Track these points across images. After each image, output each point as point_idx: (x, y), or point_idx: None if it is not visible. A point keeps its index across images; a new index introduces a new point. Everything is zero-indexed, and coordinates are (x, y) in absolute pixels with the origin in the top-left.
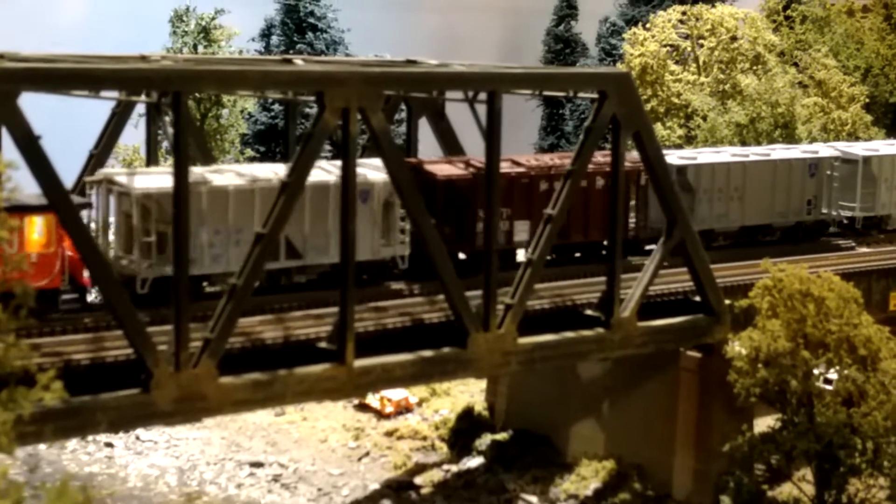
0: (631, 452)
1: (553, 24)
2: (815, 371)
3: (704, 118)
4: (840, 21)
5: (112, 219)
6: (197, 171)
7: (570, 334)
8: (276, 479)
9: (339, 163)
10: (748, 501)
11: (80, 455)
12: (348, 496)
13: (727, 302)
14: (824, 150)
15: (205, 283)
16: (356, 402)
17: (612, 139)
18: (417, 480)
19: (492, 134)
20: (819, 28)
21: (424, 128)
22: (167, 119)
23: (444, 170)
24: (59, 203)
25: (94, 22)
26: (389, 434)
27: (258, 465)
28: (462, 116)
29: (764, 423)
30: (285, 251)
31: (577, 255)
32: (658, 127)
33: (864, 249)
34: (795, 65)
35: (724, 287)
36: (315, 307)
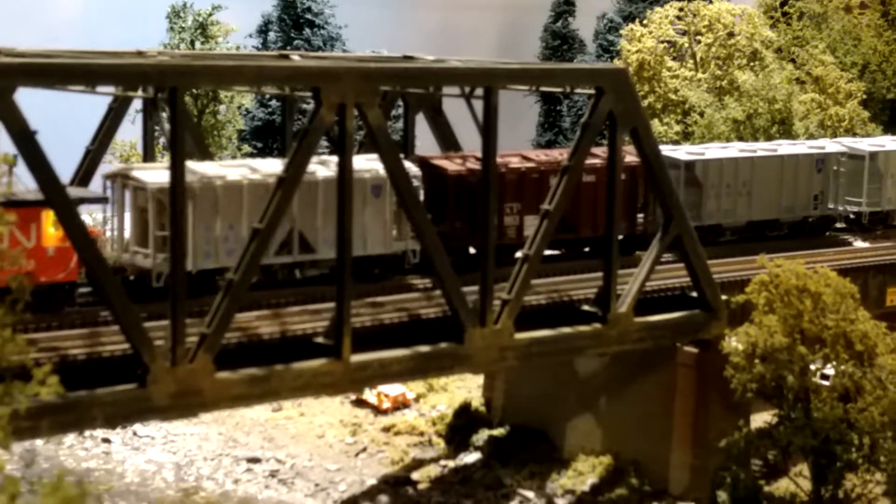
0: (628, 448)
1: (550, 21)
2: (812, 366)
3: (701, 114)
4: (837, 17)
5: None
6: (212, 166)
7: (566, 330)
8: (273, 474)
9: (356, 157)
10: (745, 497)
11: (77, 450)
12: (345, 492)
13: (724, 297)
14: (831, 145)
15: (217, 278)
16: (353, 397)
17: (609, 135)
18: (414, 476)
19: (488, 130)
20: (816, 24)
21: (421, 124)
22: (164, 115)
23: (454, 165)
24: (55, 198)
25: (90, 18)
26: (386, 430)
27: (255, 460)
28: (459, 112)
29: (760, 419)
30: (298, 245)
31: (587, 249)
32: (655, 123)
33: (861, 245)
34: (793, 61)
35: (720, 283)
36: (312, 302)
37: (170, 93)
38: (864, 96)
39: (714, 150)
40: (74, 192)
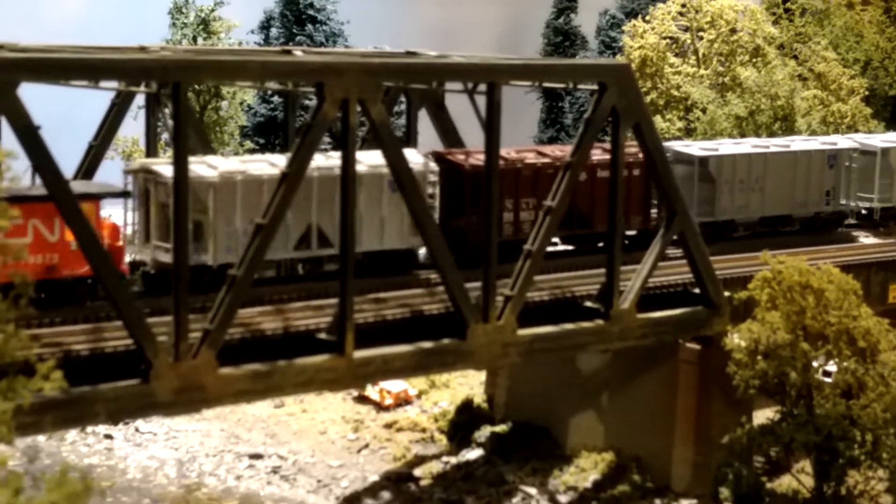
0: (630, 444)
1: (552, 17)
2: (815, 363)
3: (704, 111)
4: (839, 14)
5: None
6: (233, 161)
7: (569, 326)
8: (275, 470)
9: (368, 152)
10: (747, 493)
11: (79, 446)
12: (348, 488)
13: (726, 294)
14: (843, 141)
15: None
16: (355, 393)
17: (612, 131)
18: (417, 472)
19: (491, 126)
20: (818, 20)
21: (424, 119)
22: (167, 110)
23: (471, 160)
24: (59, 193)
25: (92, 13)
26: (389, 426)
27: (257, 456)
28: (461, 108)
29: (763, 415)
30: (317, 240)
31: (601, 244)
32: (657, 119)
33: (868, 241)
34: (795, 57)
35: (723, 279)
36: (315, 298)
37: (173, 88)
38: (867, 93)
39: (727, 146)
40: (98, 186)
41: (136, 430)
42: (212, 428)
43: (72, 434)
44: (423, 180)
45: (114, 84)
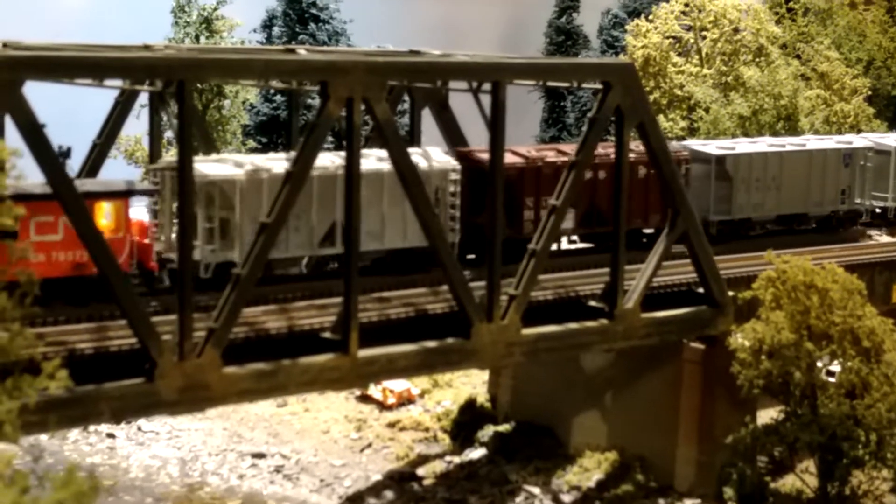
0: (634, 444)
1: (555, 16)
2: (819, 363)
3: (707, 110)
4: (842, 13)
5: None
6: (259, 158)
7: (573, 325)
8: (278, 470)
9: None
10: (751, 493)
11: (81, 446)
12: (350, 487)
13: (731, 293)
14: (858, 140)
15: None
16: (358, 393)
17: (616, 130)
18: (420, 472)
19: (496, 124)
20: (821, 20)
21: (427, 119)
22: (170, 108)
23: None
24: (63, 191)
25: (94, 12)
26: (392, 425)
27: (260, 456)
28: (464, 107)
29: (767, 415)
30: (341, 237)
31: None
32: (661, 119)
33: (879, 240)
34: (798, 57)
35: (727, 278)
36: (319, 297)
37: (177, 86)
38: (869, 93)
39: (744, 145)
40: (126, 184)
41: (139, 429)
42: (214, 427)
43: (74, 433)
44: (445, 178)
45: (118, 82)
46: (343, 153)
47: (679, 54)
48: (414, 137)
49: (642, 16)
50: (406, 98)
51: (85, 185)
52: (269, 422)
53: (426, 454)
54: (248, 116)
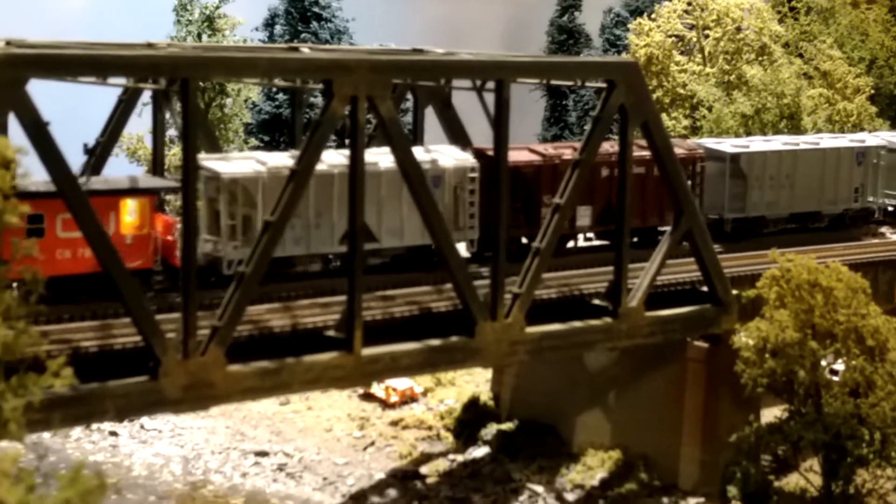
0: (637, 442)
1: (557, 15)
2: (823, 361)
3: (710, 109)
4: (845, 12)
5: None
6: (280, 156)
7: (577, 324)
8: (281, 468)
9: (417, 148)
10: (755, 492)
11: (84, 443)
12: (354, 485)
13: (734, 292)
14: (871, 139)
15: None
16: (361, 391)
17: (620, 129)
18: (423, 470)
19: (500, 123)
20: (824, 19)
21: (430, 117)
22: (174, 107)
23: (512, 156)
24: (68, 189)
25: (96, 11)
26: (394, 424)
27: (263, 454)
28: (467, 105)
29: (771, 414)
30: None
31: (635, 239)
32: (663, 117)
33: (872, 240)
34: (800, 55)
35: (731, 277)
36: (323, 295)
37: (181, 84)
38: (872, 91)
39: (758, 143)
40: (152, 181)
41: (142, 426)
42: (217, 425)
43: (76, 431)
44: (465, 176)
45: (121, 80)
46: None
47: (682, 53)
48: (417, 136)
49: (645, 14)
50: (409, 96)
51: (110, 182)
52: (271, 420)
53: (429, 452)
54: (250, 115)
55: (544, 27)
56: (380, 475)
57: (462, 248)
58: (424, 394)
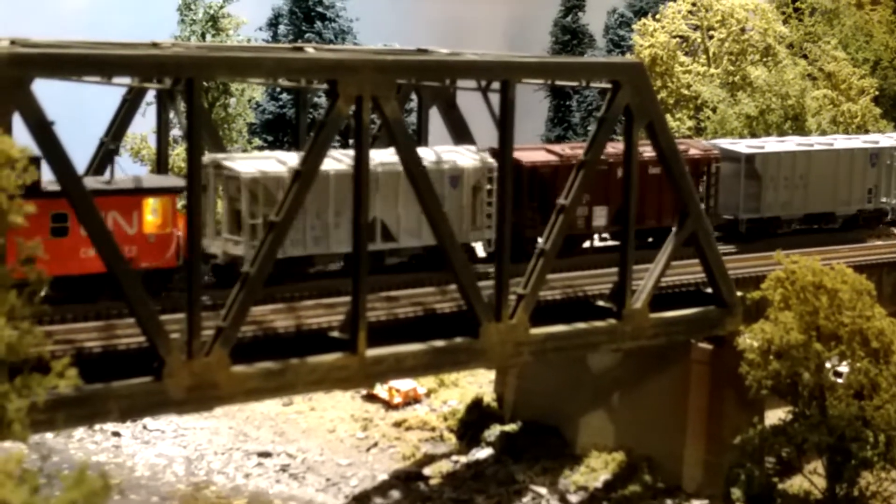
0: (641, 444)
1: (560, 15)
2: (828, 364)
3: (714, 110)
4: (849, 13)
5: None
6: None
7: (581, 325)
8: (284, 469)
9: (429, 149)
10: (759, 494)
11: (87, 444)
12: (357, 486)
13: (739, 294)
14: (884, 140)
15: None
16: (364, 392)
17: (625, 130)
18: (426, 471)
19: (505, 123)
20: (828, 20)
21: (435, 117)
22: (179, 106)
23: (529, 156)
24: (72, 188)
25: (99, 10)
26: (398, 425)
27: (266, 454)
28: (471, 106)
29: (775, 416)
30: (381, 234)
31: (650, 239)
32: (667, 118)
33: (877, 242)
34: (805, 56)
35: (735, 279)
36: (327, 296)
37: (186, 84)
38: (877, 93)
39: (773, 144)
40: (175, 181)
41: (144, 427)
42: (220, 426)
43: (79, 431)
44: (482, 176)
45: (126, 80)
46: (380, 150)
47: (686, 54)
48: (421, 136)
49: (649, 15)
50: (413, 97)
51: (132, 181)
52: (274, 420)
53: (432, 454)
54: (254, 115)
55: (548, 27)
56: (383, 476)
57: (479, 248)
58: (428, 395)
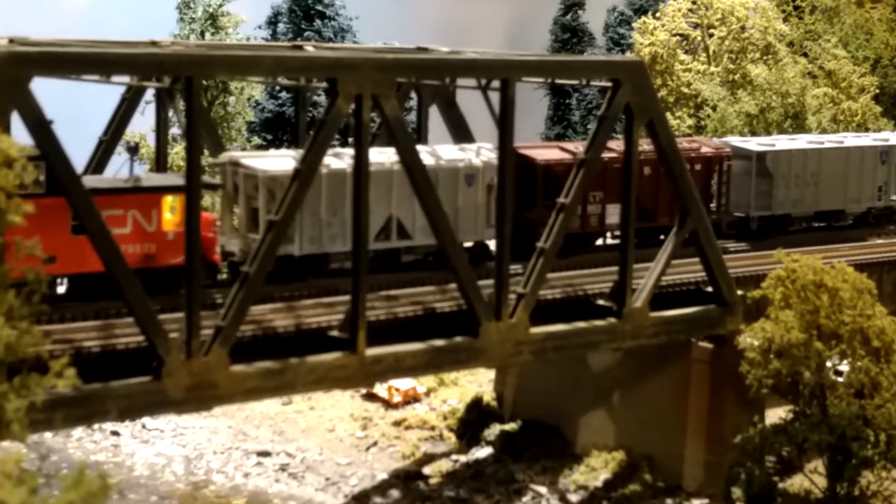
0: (641, 443)
1: (560, 13)
2: (828, 363)
3: (714, 108)
4: (849, 11)
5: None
6: None
7: (581, 324)
8: (283, 468)
9: (445, 147)
10: (759, 493)
11: (85, 443)
12: (356, 486)
13: (740, 292)
14: (894, 138)
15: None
16: (364, 391)
17: (626, 128)
18: (426, 470)
19: (505, 121)
20: (828, 18)
21: (434, 116)
22: (179, 105)
23: (543, 154)
24: (72, 188)
25: (98, 8)
26: (397, 424)
27: (265, 454)
28: (471, 104)
29: (775, 415)
30: (396, 232)
31: (663, 237)
32: (668, 117)
33: (877, 240)
34: (805, 55)
35: (736, 277)
36: (326, 295)
37: (186, 82)
38: (877, 91)
39: (783, 142)
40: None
41: (143, 426)
42: (219, 425)
43: (78, 431)
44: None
45: (125, 79)
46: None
47: (686, 52)
48: (421, 135)
49: (649, 13)
50: (413, 95)
51: (151, 179)
52: (274, 420)
53: (432, 453)
54: (253, 113)
55: (548, 26)
56: (382, 475)
57: (493, 245)
58: (427, 394)
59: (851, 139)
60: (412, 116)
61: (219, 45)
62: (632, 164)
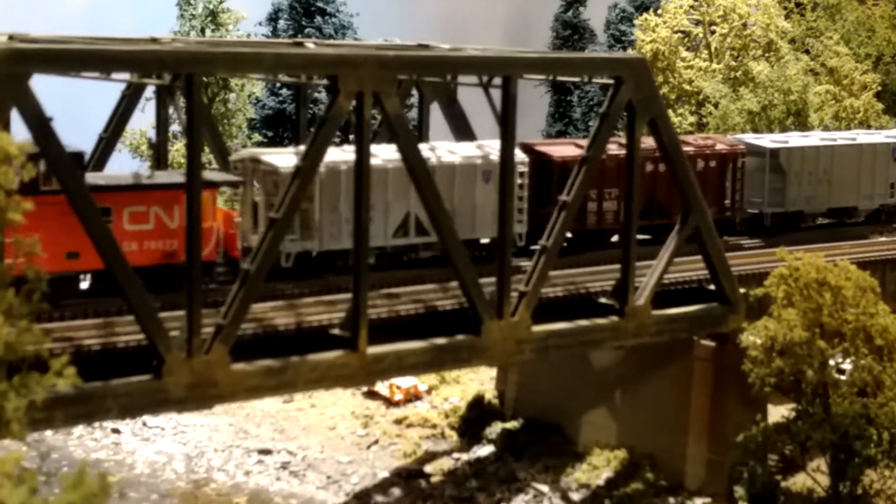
0: (643, 442)
1: (561, 10)
2: (831, 361)
3: (716, 105)
4: (851, 8)
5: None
6: (336, 151)
7: (583, 322)
8: (284, 466)
9: (463, 144)
10: (762, 492)
11: (86, 441)
12: (357, 484)
13: (742, 290)
14: None
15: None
16: (365, 389)
17: (628, 125)
18: (427, 468)
19: (507, 119)
20: (830, 15)
21: (436, 113)
22: (179, 102)
23: (558, 151)
24: (70, 185)
25: (98, 5)
26: (399, 422)
27: (266, 452)
28: (472, 102)
29: (778, 413)
30: (414, 228)
31: None
32: (669, 114)
33: (880, 238)
34: (807, 52)
35: (739, 275)
36: (327, 293)
37: (186, 79)
38: (879, 88)
39: (796, 139)
40: (215, 175)
41: (144, 424)
42: (220, 423)
43: (79, 429)
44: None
45: (125, 76)
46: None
47: (688, 49)
48: (422, 132)
49: (651, 10)
50: (414, 92)
51: (173, 176)
52: (275, 418)
53: (433, 451)
54: (253, 110)
55: (549, 22)
56: (384, 474)
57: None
58: (429, 392)
59: (864, 136)
60: (413, 113)
61: (219, 42)
62: (634, 161)
